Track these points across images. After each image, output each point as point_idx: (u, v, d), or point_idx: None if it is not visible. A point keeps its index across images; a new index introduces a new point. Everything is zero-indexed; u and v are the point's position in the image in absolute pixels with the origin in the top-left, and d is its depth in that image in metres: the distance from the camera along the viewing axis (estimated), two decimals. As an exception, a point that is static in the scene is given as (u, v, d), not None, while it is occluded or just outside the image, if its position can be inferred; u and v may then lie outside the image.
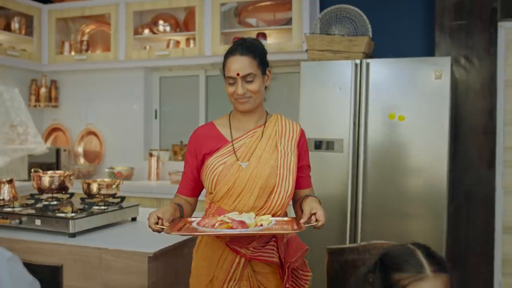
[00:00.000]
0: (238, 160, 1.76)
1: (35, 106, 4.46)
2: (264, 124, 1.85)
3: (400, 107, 2.90)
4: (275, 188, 1.73)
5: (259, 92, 1.78)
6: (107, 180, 2.41)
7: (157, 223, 1.59)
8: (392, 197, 2.91)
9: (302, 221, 1.56)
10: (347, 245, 1.55)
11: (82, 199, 2.37)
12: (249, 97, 1.76)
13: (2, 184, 2.38)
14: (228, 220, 1.55)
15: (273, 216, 1.69)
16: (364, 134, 2.96)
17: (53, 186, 2.39)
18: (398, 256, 1.17)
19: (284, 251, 1.73)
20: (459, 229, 3.42)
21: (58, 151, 4.20)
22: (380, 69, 2.95)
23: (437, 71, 2.80)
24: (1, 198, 2.36)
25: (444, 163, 2.81)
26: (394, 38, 3.54)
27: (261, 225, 1.54)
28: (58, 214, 2.12)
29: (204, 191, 1.86)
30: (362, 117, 2.95)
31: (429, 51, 3.47)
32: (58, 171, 2.53)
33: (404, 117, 2.89)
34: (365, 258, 1.47)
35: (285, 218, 1.68)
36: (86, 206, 2.26)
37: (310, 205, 1.63)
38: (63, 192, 2.45)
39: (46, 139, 4.59)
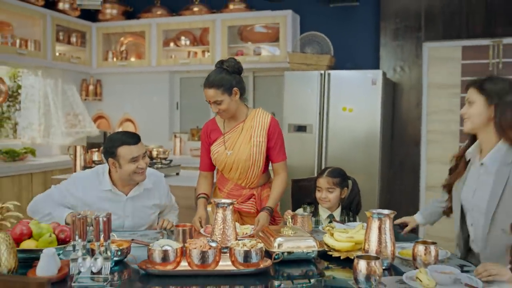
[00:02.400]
0: (226, 149, 2.51)
1: (84, 99, 5.84)
2: (244, 120, 2.54)
3: (350, 103, 4.28)
4: (250, 167, 2.50)
5: (229, 108, 2.44)
6: (161, 149, 3.82)
7: (200, 222, 2.34)
8: (344, 164, 4.13)
9: (254, 232, 2.21)
10: (302, 178, 2.96)
11: (146, 161, 3.78)
12: (222, 112, 2.46)
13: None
14: None
15: (252, 184, 2.53)
16: (326, 121, 4.35)
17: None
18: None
19: (260, 204, 2.54)
20: (395, 188, 4.80)
21: (105, 134, 5.57)
22: (338, 77, 4.33)
23: (373, 79, 4.20)
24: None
25: (377, 140, 4.20)
26: (350, 53, 4.90)
27: (247, 233, 2.21)
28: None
29: None
30: (325, 109, 4.35)
31: (375, 63, 4.84)
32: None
33: (352, 109, 4.27)
34: (310, 184, 2.90)
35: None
36: (150, 165, 3.67)
37: (262, 222, 2.30)
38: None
39: (92, 125, 5.97)
